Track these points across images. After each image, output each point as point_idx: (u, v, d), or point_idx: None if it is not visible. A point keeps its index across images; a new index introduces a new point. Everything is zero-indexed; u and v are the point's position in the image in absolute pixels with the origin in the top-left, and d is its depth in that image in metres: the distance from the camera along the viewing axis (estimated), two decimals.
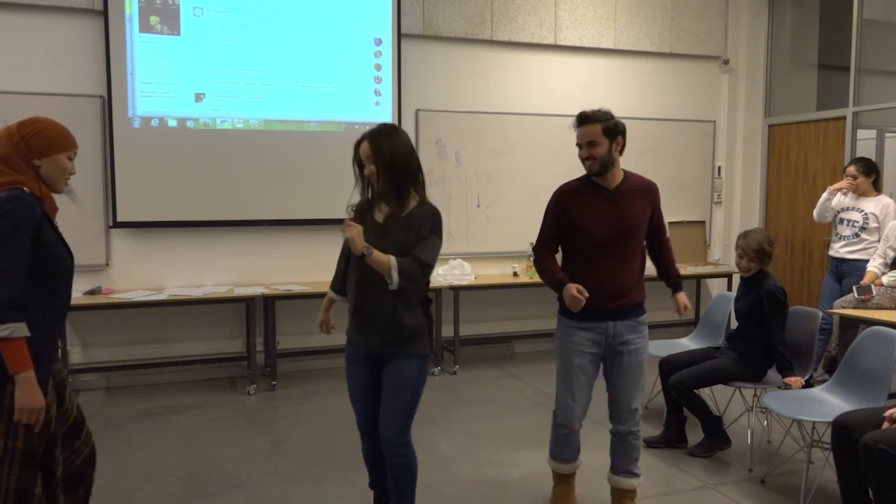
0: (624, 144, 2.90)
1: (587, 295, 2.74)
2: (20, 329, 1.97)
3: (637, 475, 3.05)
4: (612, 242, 2.85)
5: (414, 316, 2.56)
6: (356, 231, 2.42)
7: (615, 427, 3.04)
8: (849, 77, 5.96)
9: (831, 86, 6.42)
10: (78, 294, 4.87)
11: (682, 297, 3.22)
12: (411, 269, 2.45)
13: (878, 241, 4.70)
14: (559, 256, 3.01)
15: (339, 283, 2.78)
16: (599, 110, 2.92)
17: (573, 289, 2.73)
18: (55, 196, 2.27)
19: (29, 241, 2.04)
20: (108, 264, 5.07)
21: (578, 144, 2.89)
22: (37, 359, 2.03)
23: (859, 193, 4.90)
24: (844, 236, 4.94)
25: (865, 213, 4.84)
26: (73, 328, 5.02)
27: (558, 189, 2.97)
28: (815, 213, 5.16)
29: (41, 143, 2.15)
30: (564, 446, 3.10)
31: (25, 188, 2.10)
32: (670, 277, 3.22)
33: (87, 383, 5.09)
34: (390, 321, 2.53)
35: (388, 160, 2.47)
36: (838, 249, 4.97)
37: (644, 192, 2.95)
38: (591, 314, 2.85)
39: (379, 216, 2.57)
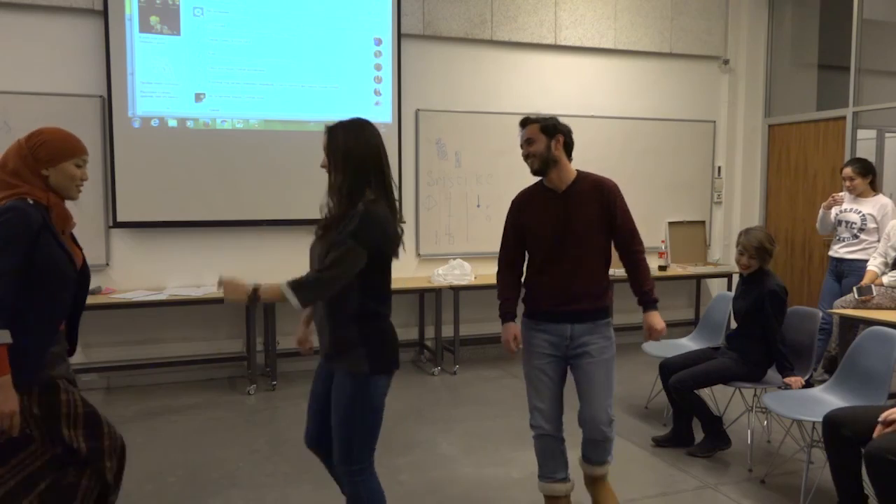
0: (568, 144, 2.86)
1: (517, 347, 2.88)
2: (2, 336, 2.02)
3: (609, 462, 3.03)
4: (561, 245, 2.80)
5: (345, 329, 2.27)
6: (229, 289, 2.21)
7: (589, 434, 2.91)
8: (849, 77, 5.96)
9: (831, 86, 6.42)
10: None
11: (652, 317, 2.92)
12: (308, 286, 2.19)
13: (878, 240, 4.71)
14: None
15: None
16: (542, 115, 2.91)
17: (510, 335, 2.88)
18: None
19: (22, 251, 2.07)
20: (108, 264, 5.07)
21: (521, 146, 2.92)
22: (22, 364, 2.07)
23: (856, 194, 4.90)
24: (843, 238, 4.94)
25: (863, 215, 4.84)
26: None
27: (513, 199, 3.01)
28: (818, 227, 5.18)
29: (46, 153, 2.18)
30: (546, 456, 2.94)
31: (30, 199, 2.14)
32: (640, 292, 2.94)
33: (87, 383, 5.08)
34: (325, 332, 2.35)
35: (341, 155, 2.30)
36: (838, 250, 4.97)
37: (596, 192, 2.83)
38: (548, 316, 2.83)
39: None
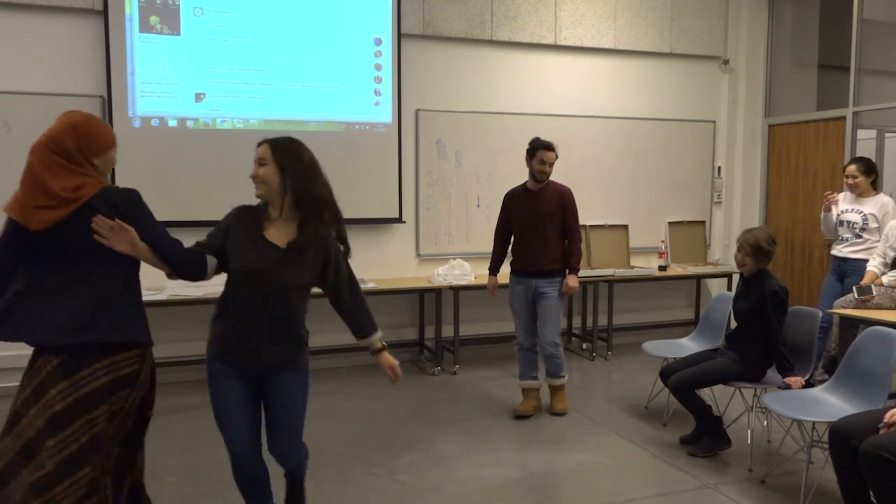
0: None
1: (496, 294, 4.55)
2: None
3: (564, 376, 4.46)
4: (532, 226, 4.30)
5: (300, 334, 2.62)
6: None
7: (543, 350, 4.38)
8: (849, 77, 5.96)
9: (831, 86, 6.42)
10: None
11: (572, 279, 4.34)
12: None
13: (880, 239, 4.71)
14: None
15: None
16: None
17: (491, 284, 4.53)
18: None
19: None
20: None
21: (542, 161, 4.25)
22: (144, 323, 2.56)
23: (857, 193, 4.90)
24: (846, 238, 4.93)
25: (864, 214, 4.84)
26: None
27: (506, 193, 4.50)
28: (823, 230, 5.17)
29: (99, 143, 2.33)
30: (525, 363, 4.44)
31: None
32: (570, 264, 4.38)
33: None
34: (274, 342, 2.61)
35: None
36: (841, 249, 4.96)
37: (557, 195, 4.34)
38: (522, 273, 4.36)
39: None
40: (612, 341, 6.00)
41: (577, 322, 6.36)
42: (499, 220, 4.51)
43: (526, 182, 4.41)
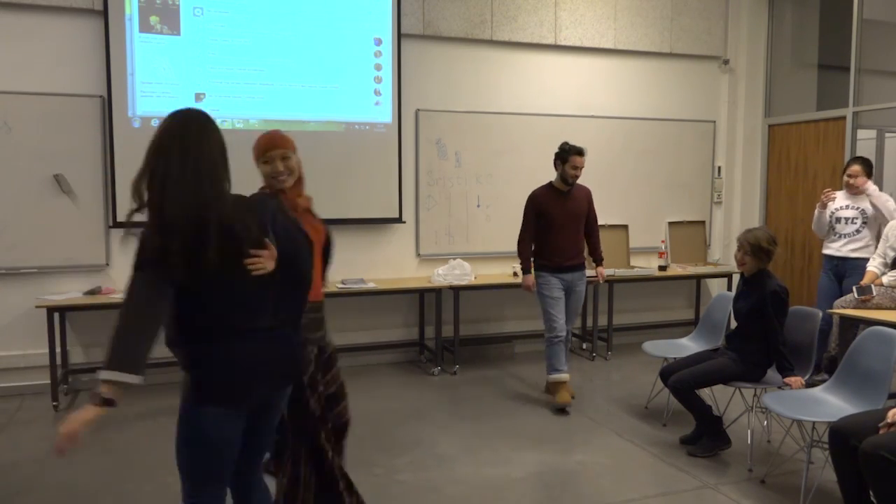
0: None
1: (532, 290, 4.67)
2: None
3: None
4: (568, 224, 4.58)
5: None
6: None
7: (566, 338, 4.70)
8: (849, 77, 5.96)
9: (831, 86, 6.42)
10: (78, 294, 4.88)
11: (601, 270, 4.85)
12: None
13: (878, 235, 4.73)
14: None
15: None
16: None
17: (531, 282, 4.66)
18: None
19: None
20: (108, 264, 5.08)
21: (574, 166, 4.48)
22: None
23: (855, 192, 4.92)
24: (846, 234, 4.94)
25: (861, 209, 4.90)
26: (72, 328, 5.02)
27: (530, 196, 4.65)
28: (814, 228, 5.20)
29: (254, 151, 2.70)
30: (558, 355, 4.55)
31: (266, 189, 2.63)
32: (597, 256, 4.83)
33: (88, 383, 5.08)
34: None
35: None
36: (840, 248, 4.97)
37: (584, 194, 4.69)
38: (559, 268, 4.60)
39: None
40: (612, 341, 6.01)
41: (577, 322, 6.35)
42: (528, 220, 4.63)
43: (551, 182, 4.60)
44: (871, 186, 4.87)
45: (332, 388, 2.76)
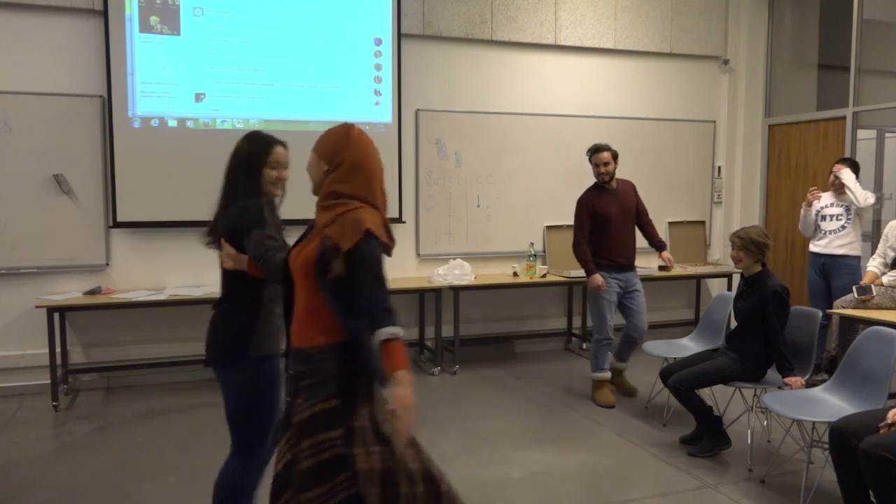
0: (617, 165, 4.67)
1: (605, 288, 4.60)
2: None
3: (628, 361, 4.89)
4: (623, 222, 4.64)
5: None
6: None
7: (639, 336, 4.70)
8: (849, 77, 5.96)
9: (831, 86, 6.42)
10: (78, 294, 4.88)
11: (666, 253, 4.83)
12: None
13: (876, 235, 4.77)
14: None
15: None
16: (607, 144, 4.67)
17: (601, 281, 4.58)
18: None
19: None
20: (108, 264, 5.08)
21: (597, 164, 4.59)
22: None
23: (840, 193, 4.99)
24: (831, 230, 4.98)
25: (846, 206, 4.97)
26: (73, 328, 5.02)
27: (580, 198, 4.69)
28: (801, 228, 5.25)
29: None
30: (605, 356, 4.69)
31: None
32: (655, 242, 4.89)
33: (87, 383, 5.09)
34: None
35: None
36: (826, 245, 5.00)
37: (630, 189, 4.77)
38: (616, 268, 4.64)
39: None
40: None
41: (577, 322, 6.36)
42: (581, 222, 4.64)
43: (595, 183, 4.68)
44: (845, 172, 4.90)
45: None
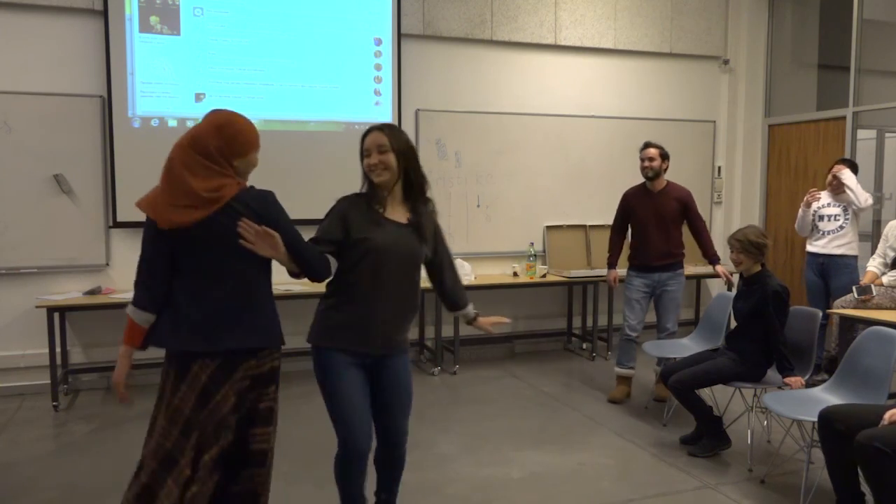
0: (667, 166, 4.69)
1: (616, 285, 4.96)
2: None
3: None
4: (653, 223, 4.60)
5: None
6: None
7: (659, 335, 4.70)
8: (849, 77, 5.96)
9: (831, 86, 6.42)
10: (78, 294, 4.88)
11: (720, 268, 4.70)
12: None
13: (875, 236, 4.77)
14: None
15: None
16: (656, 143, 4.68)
17: (613, 277, 4.88)
18: None
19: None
20: (108, 264, 5.08)
21: (642, 159, 4.61)
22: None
23: (837, 193, 4.99)
24: (829, 231, 4.98)
25: (844, 206, 4.97)
26: (72, 328, 5.03)
27: (624, 192, 4.80)
28: (797, 228, 5.26)
29: (241, 144, 2.33)
30: (627, 352, 4.69)
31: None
32: (708, 254, 4.76)
33: (87, 383, 5.09)
34: (401, 329, 2.70)
35: (413, 153, 2.55)
36: (824, 245, 5.00)
37: (677, 196, 4.67)
38: (643, 268, 4.66)
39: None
40: (612, 341, 6.00)
41: (577, 322, 6.36)
42: (616, 217, 4.82)
43: (644, 182, 4.70)
44: (846, 173, 4.91)
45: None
